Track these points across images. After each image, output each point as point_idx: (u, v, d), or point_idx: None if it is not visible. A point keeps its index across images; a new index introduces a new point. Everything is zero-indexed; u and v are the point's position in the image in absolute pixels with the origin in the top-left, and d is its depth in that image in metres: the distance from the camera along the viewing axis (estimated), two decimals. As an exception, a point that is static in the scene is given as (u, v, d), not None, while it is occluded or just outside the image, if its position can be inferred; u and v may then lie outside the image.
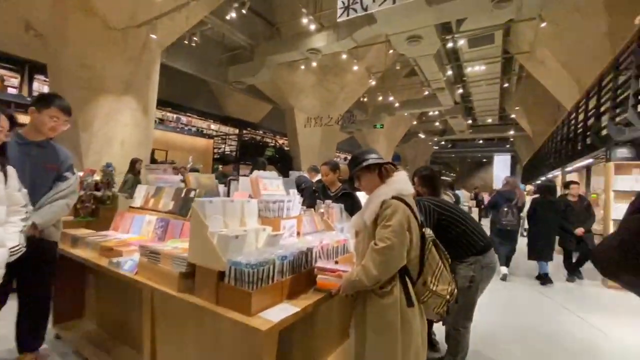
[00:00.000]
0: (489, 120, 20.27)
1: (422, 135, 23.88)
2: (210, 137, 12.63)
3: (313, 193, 3.23)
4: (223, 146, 13.45)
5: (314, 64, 10.83)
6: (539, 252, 4.72)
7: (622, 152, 4.27)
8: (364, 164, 1.58)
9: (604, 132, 4.66)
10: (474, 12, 6.73)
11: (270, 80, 11.92)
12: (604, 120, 4.78)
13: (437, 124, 22.27)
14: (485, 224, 5.29)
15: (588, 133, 5.24)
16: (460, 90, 14.19)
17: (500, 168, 28.64)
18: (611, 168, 4.37)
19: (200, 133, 12.99)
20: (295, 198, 2.02)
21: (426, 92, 14.19)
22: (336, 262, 1.72)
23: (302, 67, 11.15)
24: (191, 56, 10.49)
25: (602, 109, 4.65)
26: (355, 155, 1.66)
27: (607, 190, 4.38)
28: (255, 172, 2.12)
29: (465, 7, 6.53)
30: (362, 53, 11.12)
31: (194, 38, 9.41)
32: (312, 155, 13.08)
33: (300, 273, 1.59)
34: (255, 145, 13.60)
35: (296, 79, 11.91)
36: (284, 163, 13.19)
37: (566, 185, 4.65)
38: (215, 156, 12.70)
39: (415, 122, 21.20)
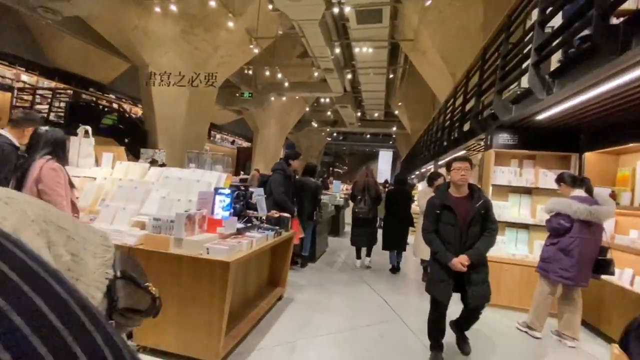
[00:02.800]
0: (376, 115, 20.87)
1: (315, 124, 23.28)
2: (7, 88, 8.58)
3: None
4: (43, 105, 9.48)
5: (173, 7, 8.27)
6: (388, 242, 4.73)
7: (504, 137, 3.49)
8: None
9: (485, 114, 3.93)
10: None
11: (110, 20, 8.77)
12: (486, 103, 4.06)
13: (329, 113, 21.98)
14: None
15: (466, 117, 4.58)
16: (350, 76, 13.59)
17: (384, 163, 30.75)
18: (491, 157, 3.55)
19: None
20: None
21: (316, 74, 13.07)
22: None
23: (157, 8, 8.40)
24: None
25: (486, 84, 3.77)
26: None
27: (487, 185, 3.48)
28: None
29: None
30: (238, 7, 9.05)
31: None
32: (174, 130, 10.37)
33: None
34: (89, 108, 10.04)
35: (150, 26, 9.01)
36: (134, 137, 10.11)
37: (447, 166, 2.55)
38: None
39: (308, 109, 20.24)
